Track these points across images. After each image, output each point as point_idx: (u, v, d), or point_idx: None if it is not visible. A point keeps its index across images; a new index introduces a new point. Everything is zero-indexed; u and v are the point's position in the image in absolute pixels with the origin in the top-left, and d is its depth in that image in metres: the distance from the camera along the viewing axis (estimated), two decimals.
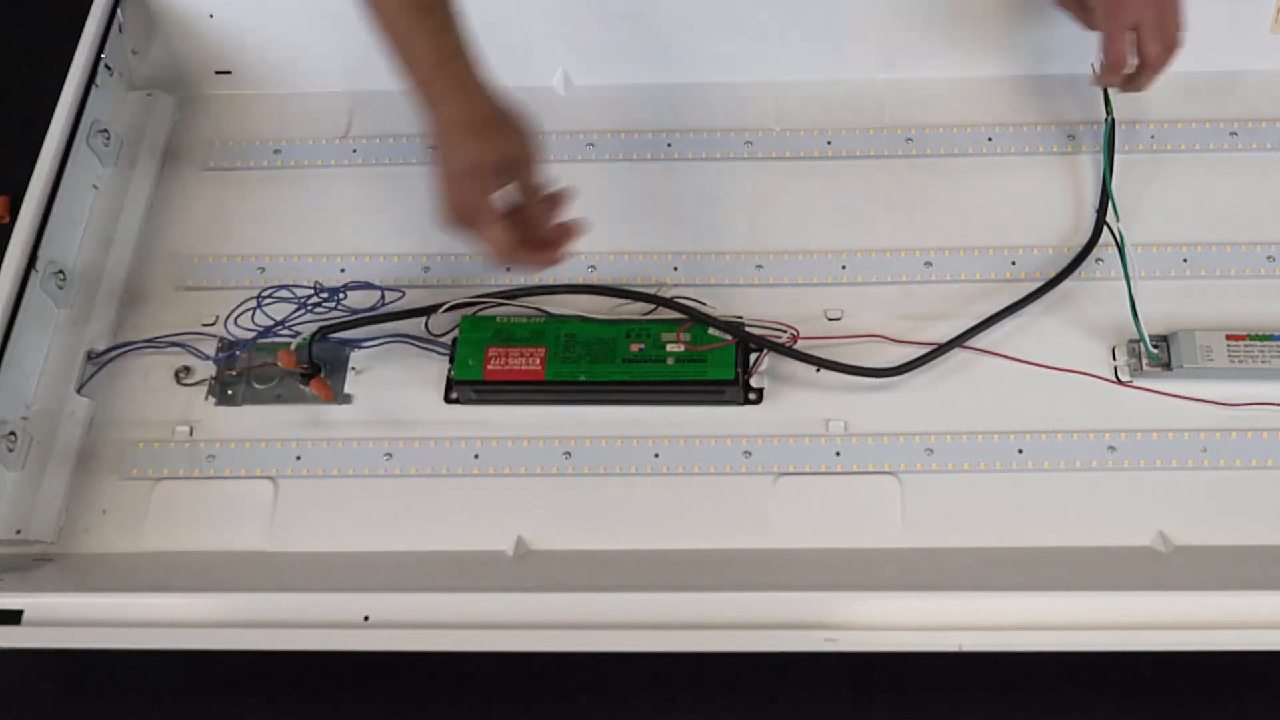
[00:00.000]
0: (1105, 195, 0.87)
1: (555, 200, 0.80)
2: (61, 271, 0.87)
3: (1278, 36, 0.95)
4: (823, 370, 0.84)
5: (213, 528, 0.82)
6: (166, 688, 0.81)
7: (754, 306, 0.86)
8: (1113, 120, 0.89)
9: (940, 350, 0.83)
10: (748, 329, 0.84)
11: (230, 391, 0.87)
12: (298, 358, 0.82)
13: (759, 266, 0.90)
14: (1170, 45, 0.83)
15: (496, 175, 0.76)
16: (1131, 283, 0.82)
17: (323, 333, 0.84)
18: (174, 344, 0.88)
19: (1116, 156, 0.90)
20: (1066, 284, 0.87)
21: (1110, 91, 0.90)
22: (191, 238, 0.95)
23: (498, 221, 0.76)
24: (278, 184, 0.97)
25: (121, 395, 0.87)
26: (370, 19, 0.78)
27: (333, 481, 0.83)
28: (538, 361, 0.83)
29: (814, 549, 0.79)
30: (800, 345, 0.85)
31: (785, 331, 0.84)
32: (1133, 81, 0.86)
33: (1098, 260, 0.88)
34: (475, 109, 0.76)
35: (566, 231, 0.79)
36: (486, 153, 0.76)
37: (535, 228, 0.78)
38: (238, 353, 0.87)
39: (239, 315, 0.87)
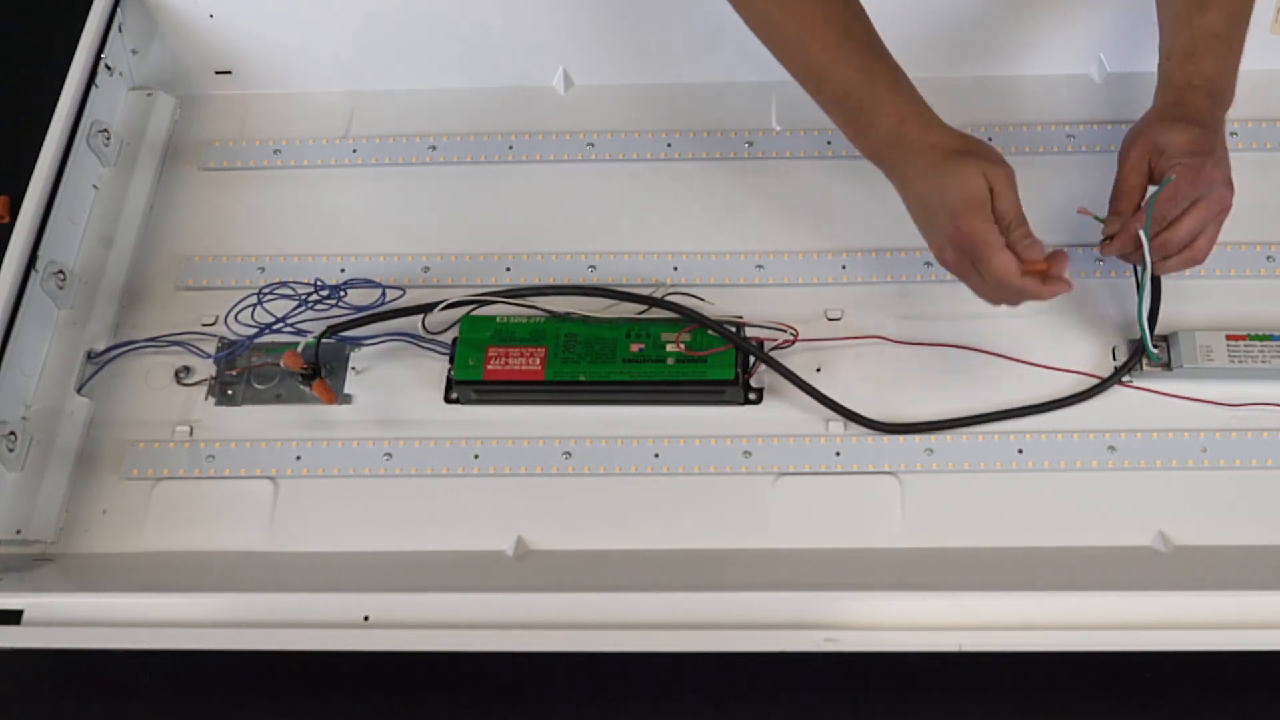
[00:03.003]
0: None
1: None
2: (61, 271, 0.87)
3: (1278, 36, 0.95)
4: (823, 370, 0.84)
5: (213, 528, 0.82)
6: (166, 688, 0.81)
7: (754, 306, 0.86)
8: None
9: (947, 425, 0.82)
10: (746, 334, 0.84)
11: (230, 391, 0.87)
12: (305, 357, 0.82)
13: (759, 266, 0.90)
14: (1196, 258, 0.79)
15: (988, 206, 0.74)
16: (1144, 289, 0.81)
17: (331, 331, 0.84)
18: (174, 344, 0.88)
19: (1115, 154, 0.91)
20: None
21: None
22: (191, 238, 0.95)
23: (1004, 250, 0.74)
24: (278, 184, 0.97)
25: (121, 395, 0.87)
26: (823, 90, 0.80)
27: (333, 481, 0.83)
28: (538, 361, 0.83)
29: (814, 549, 0.79)
30: (800, 345, 0.85)
31: (785, 331, 0.84)
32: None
33: (1098, 260, 0.88)
34: (950, 144, 0.76)
35: (1060, 258, 0.75)
36: (981, 182, 0.74)
37: (1024, 255, 0.75)
38: (245, 345, 0.86)
39: (239, 312, 0.87)
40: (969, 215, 0.74)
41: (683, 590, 0.73)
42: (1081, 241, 0.88)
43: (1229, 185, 0.79)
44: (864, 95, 0.78)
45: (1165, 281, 0.84)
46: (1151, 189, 0.79)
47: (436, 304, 0.86)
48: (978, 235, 0.74)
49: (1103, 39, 0.95)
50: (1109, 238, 0.80)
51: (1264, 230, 0.89)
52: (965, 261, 0.76)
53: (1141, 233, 0.77)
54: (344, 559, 0.81)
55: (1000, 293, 0.76)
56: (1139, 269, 0.81)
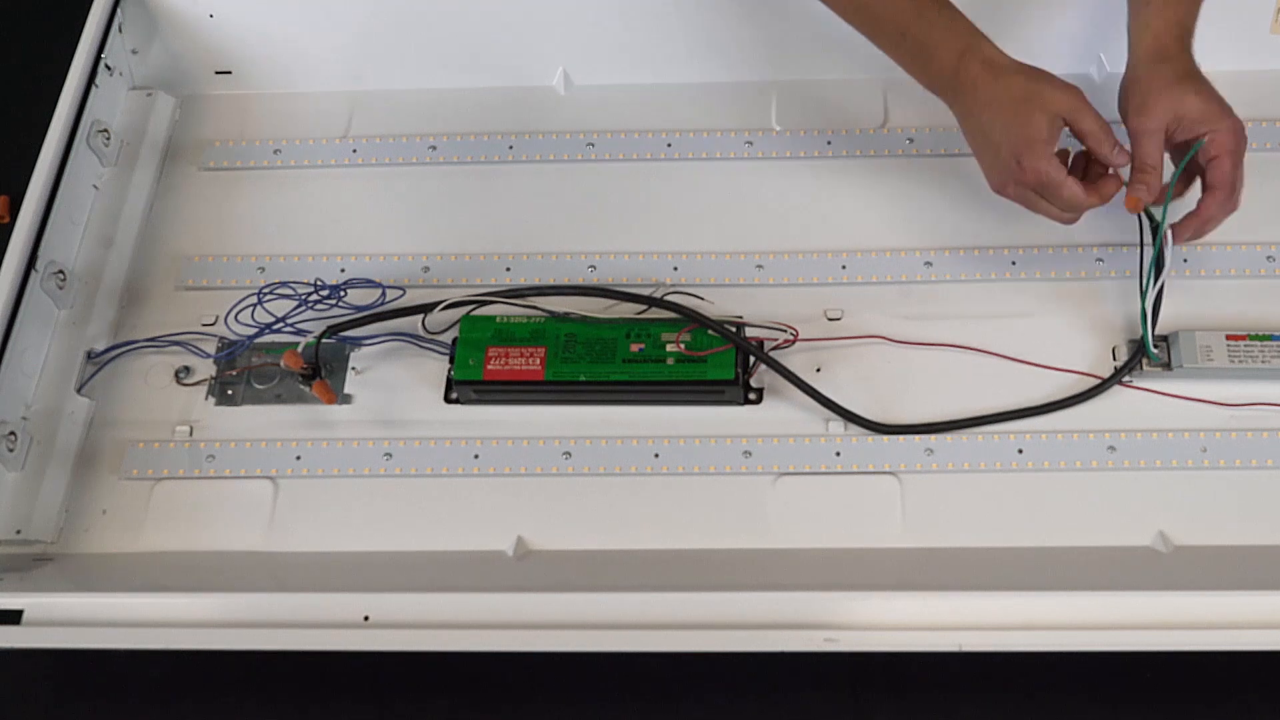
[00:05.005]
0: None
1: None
2: (61, 271, 0.87)
3: (1278, 36, 0.95)
4: (822, 370, 0.85)
5: (213, 528, 0.82)
6: (166, 688, 0.81)
7: (754, 306, 0.86)
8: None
9: (947, 427, 0.82)
10: (746, 334, 0.84)
11: (230, 391, 0.87)
12: (305, 357, 0.82)
13: (759, 266, 0.90)
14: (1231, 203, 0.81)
15: (1056, 134, 0.78)
16: (1148, 285, 0.81)
17: (331, 331, 0.84)
18: (174, 344, 0.88)
19: None
20: (1067, 284, 0.87)
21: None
22: (191, 238, 0.95)
23: (1069, 181, 0.79)
24: (278, 184, 0.97)
25: (121, 395, 0.87)
26: (876, 25, 0.83)
27: (333, 481, 0.83)
28: (538, 361, 0.83)
29: (814, 549, 0.79)
30: (800, 345, 0.85)
31: (785, 331, 0.84)
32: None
33: (1098, 260, 0.88)
34: (1014, 78, 0.79)
35: (1116, 180, 0.80)
36: (1043, 121, 0.78)
37: (1093, 174, 0.81)
38: (245, 345, 0.86)
39: (239, 312, 0.87)
40: (1033, 156, 0.78)
41: (683, 590, 0.73)
42: (1083, 241, 0.88)
43: (1236, 118, 0.81)
44: (921, 31, 0.81)
45: (1167, 282, 0.84)
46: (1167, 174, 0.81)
47: (436, 304, 0.86)
48: (1044, 175, 0.78)
49: (1103, 39, 0.95)
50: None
51: (1264, 230, 0.89)
52: (1030, 195, 0.81)
53: (1162, 225, 0.78)
54: (344, 559, 0.81)
55: (1069, 215, 0.82)
56: (1144, 265, 0.81)
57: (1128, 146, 0.80)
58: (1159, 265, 0.80)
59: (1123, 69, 0.83)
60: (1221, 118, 0.80)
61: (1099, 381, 0.83)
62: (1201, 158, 0.80)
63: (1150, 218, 0.82)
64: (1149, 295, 0.81)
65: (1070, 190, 0.79)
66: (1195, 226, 0.81)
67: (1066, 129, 0.80)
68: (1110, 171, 0.81)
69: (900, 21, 0.82)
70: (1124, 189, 0.80)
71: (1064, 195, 0.79)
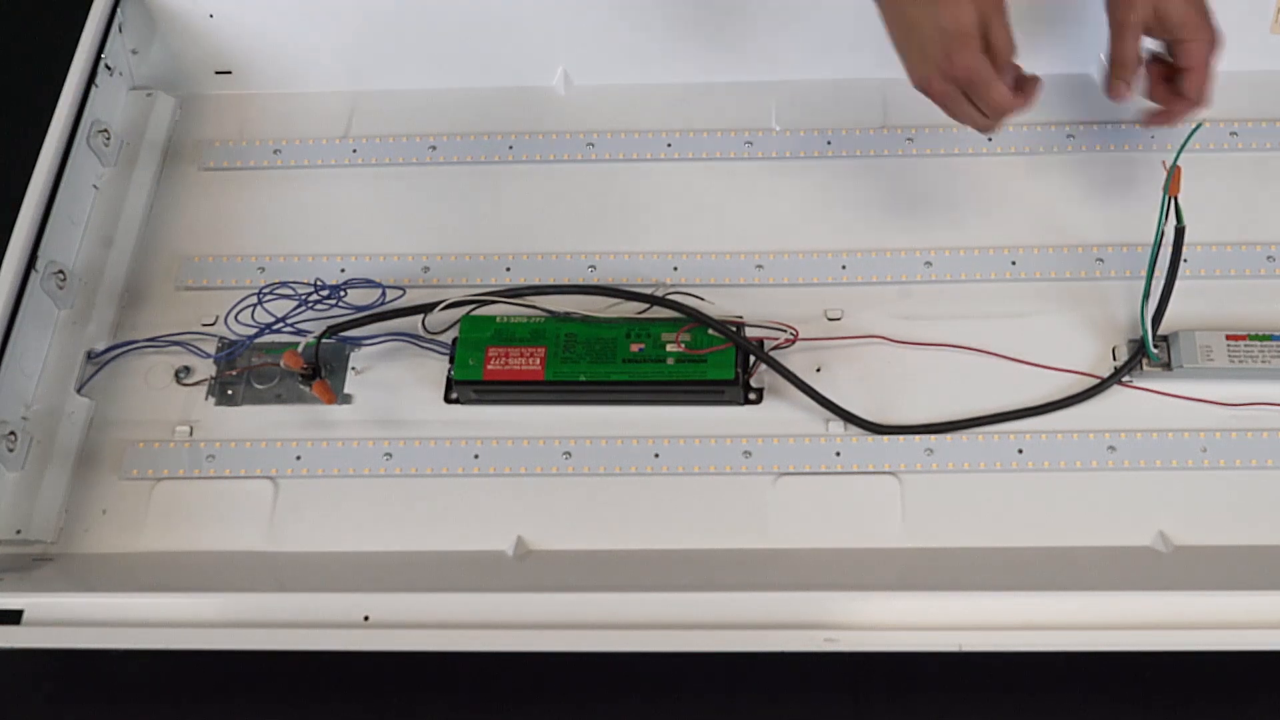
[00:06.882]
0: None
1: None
2: (61, 271, 0.87)
3: (1278, 36, 0.95)
4: (823, 370, 0.85)
5: (212, 528, 0.82)
6: (166, 688, 0.81)
7: (754, 306, 0.86)
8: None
9: (946, 427, 0.82)
10: (746, 333, 0.84)
11: (230, 391, 0.87)
12: (305, 357, 0.82)
13: (759, 266, 0.90)
14: (1210, 39, 0.81)
15: (980, 38, 0.77)
16: (1153, 280, 0.81)
17: (331, 331, 0.84)
18: (174, 344, 0.88)
19: (1115, 154, 0.91)
20: (1067, 284, 0.87)
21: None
22: (191, 238, 0.95)
23: (999, 82, 0.77)
24: (278, 184, 0.97)
25: (121, 395, 0.87)
26: None
27: (333, 481, 0.83)
28: (538, 361, 0.83)
29: (814, 549, 0.79)
30: (800, 345, 0.85)
31: (785, 331, 0.84)
32: (1171, 99, 0.84)
33: (1098, 260, 0.88)
34: None
35: (1035, 80, 0.80)
36: (972, 13, 0.76)
37: (1022, 88, 0.80)
38: (245, 345, 0.86)
39: (239, 312, 0.88)
40: (963, 49, 0.76)
41: (683, 590, 0.73)
42: (1083, 242, 0.88)
43: (1215, 28, 0.81)
44: None
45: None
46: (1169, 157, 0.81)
47: (436, 304, 0.86)
48: (974, 69, 0.77)
49: (1103, 39, 0.95)
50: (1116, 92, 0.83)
51: (1264, 230, 0.89)
52: (955, 92, 0.78)
53: (1161, 224, 0.78)
54: (344, 559, 0.81)
55: (992, 119, 0.80)
56: (1152, 261, 0.80)
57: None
58: (1157, 264, 0.80)
59: None
60: (1201, 27, 0.80)
61: (1098, 381, 0.83)
62: (1177, 62, 0.82)
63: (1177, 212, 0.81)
64: (1149, 295, 0.81)
65: (999, 90, 0.77)
66: (1160, 120, 0.84)
67: None
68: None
69: None
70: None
71: (993, 94, 0.78)
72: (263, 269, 0.92)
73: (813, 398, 0.82)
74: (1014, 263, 0.88)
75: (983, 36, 0.77)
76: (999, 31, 0.77)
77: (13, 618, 0.74)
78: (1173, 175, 0.79)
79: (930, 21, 0.77)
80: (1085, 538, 0.79)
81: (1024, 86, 0.80)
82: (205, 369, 0.88)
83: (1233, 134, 0.92)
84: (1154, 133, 0.92)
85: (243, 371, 0.87)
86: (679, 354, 0.82)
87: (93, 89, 0.93)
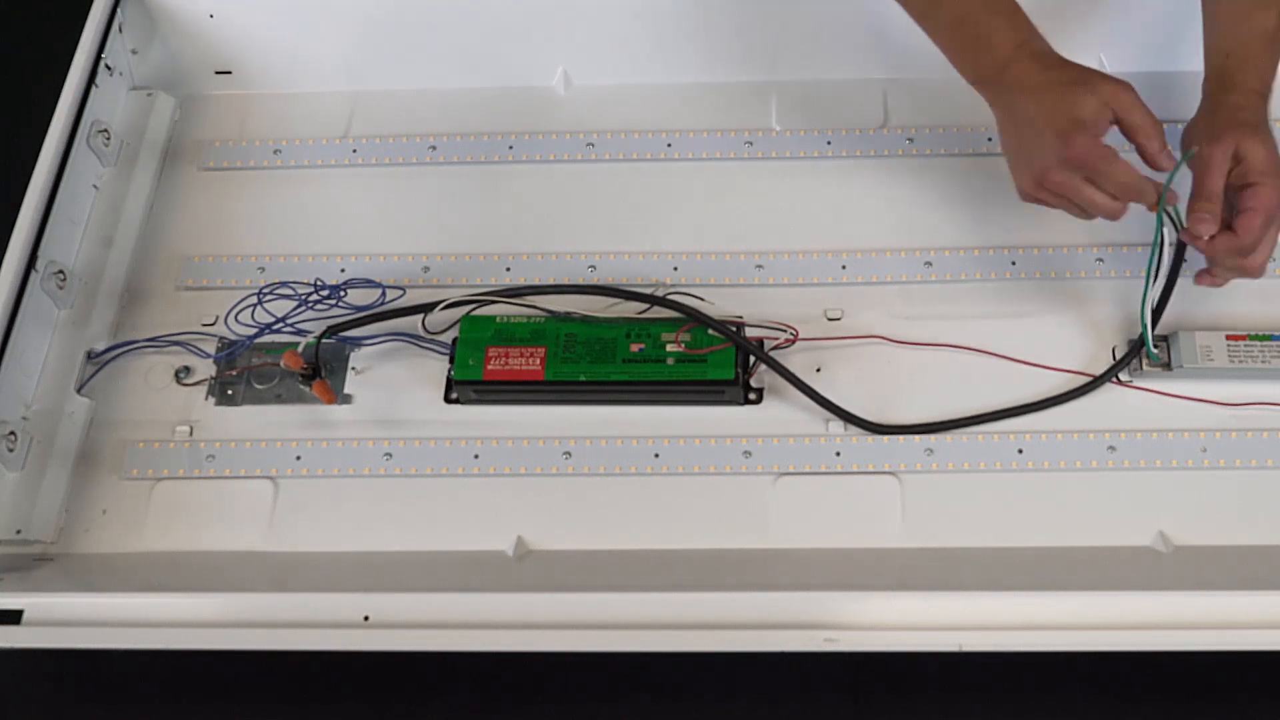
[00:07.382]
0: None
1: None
2: (61, 271, 0.87)
3: None
4: (822, 370, 0.85)
5: (213, 528, 0.82)
6: (166, 688, 0.81)
7: (754, 306, 0.86)
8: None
9: (945, 426, 0.82)
10: (746, 334, 0.84)
11: (230, 391, 0.87)
12: (305, 357, 0.82)
13: (759, 266, 0.90)
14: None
15: (1104, 122, 0.77)
16: (1149, 284, 0.81)
17: (331, 331, 0.84)
18: (174, 344, 0.88)
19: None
20: (1067, 283, 0.87)
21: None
22: (191, 238, 0.95)
23: (1116, 154, 0.76)
24: (278, 184, 0.97)
25: (121, 395, 0.87)
26: (935, 15, 0.81)
27: (333, 481, 0.83)
28: (538, 361, 0.83)
29: (814, 549, 0.79)
30: (800, 345, 0.85)
31: (785, 331, 0.84)
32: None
33: (1098, 260, 0.88)
34: (1068, 70, 0.78)
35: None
36: (1094, 105, 0.76)
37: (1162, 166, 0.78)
38: (245, 345, 0.86)
39: (239, 312, 0.88)
40: (1081, 134, 0.76)
41: (683, 590, 0.73)
42: (1083, 242, 0.88)
43: None
44: (981, 20, 0.80)
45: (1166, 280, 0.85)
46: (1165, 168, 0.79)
47: (436, 304, 0.86)
48: (1095, 152, 0.75)
49: (1103, 39, 0.95)
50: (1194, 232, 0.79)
51: None
52: (1076, 179, 0.77)
53: (1159, 223, 0.77)
54: (344, 559, 0.81)
55: (1118, 202, 0.77)
56: (1151, 261, 0.80)
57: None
58: (1160, 264, 0.80)
59: (1123, 68, 0.83)
60: (1276, 175, 0.78)
61: (1094, 379, 0.83)
62: (1241, 204, 0.78)
63: (1174, 221, 0.80)
64: (1149, 294, 0.81)
65: (1125, 168, 0.75)
66: (1206, 280, 0.82)
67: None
68: None
69: (961, 8, 0.80)
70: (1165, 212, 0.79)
71: (1118, 174, 0.75)
72: (263, 269, 0.92)
73: (812, 398, 0.82)
74: (1014, 263, 0.88)
75: (1113, 124, 0.77)
76: (1135, 114, 0.77)
77: (13, 618, 0.74)
78: (1165, 196, 0.78)
79: (1049, 113, 0.76)
80: (1085, 538, 0.79)
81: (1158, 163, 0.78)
82: (205, 369, 0.88)
83: None
84: None
85: (243, 371, 0.87)
86: (679, 354, 0.82)
87: (93, 89, 0.93)
